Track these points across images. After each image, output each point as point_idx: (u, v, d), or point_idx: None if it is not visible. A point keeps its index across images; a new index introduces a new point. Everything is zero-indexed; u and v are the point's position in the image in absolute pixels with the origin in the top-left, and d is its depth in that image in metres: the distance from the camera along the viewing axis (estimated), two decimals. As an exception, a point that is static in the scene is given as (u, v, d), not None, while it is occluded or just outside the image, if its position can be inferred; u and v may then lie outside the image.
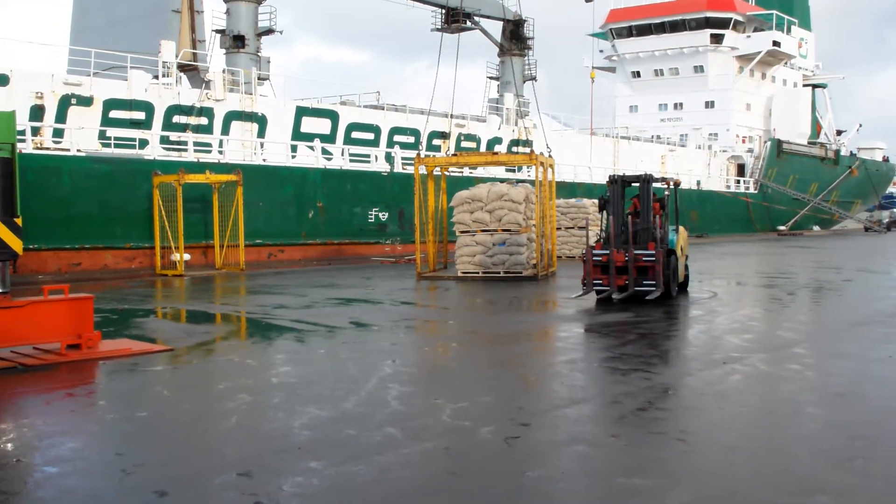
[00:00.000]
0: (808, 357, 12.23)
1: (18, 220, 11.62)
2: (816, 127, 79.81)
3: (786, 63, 74.74)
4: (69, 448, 7.57)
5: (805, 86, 78.34)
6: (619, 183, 19.23)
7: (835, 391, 10.00)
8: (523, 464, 7.15)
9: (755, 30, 70.78)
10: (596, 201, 37.28)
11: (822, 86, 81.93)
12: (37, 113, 30.39)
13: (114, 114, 32.48)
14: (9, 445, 7.75)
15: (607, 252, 18.47)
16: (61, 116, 30.94)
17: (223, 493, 6.38)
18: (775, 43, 69.69)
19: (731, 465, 7.07)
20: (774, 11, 70.27)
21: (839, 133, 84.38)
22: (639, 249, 18.36)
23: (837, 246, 47.82)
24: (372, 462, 7.09)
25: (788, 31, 72.33)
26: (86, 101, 31.65)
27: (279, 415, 8.84)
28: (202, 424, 8.53)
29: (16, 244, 11.55)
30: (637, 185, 19.55)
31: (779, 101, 73.68)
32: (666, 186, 20.17)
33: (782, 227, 68.25)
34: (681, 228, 20.50)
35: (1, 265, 11.74)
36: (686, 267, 21.02)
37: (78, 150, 28.58)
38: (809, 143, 75.47)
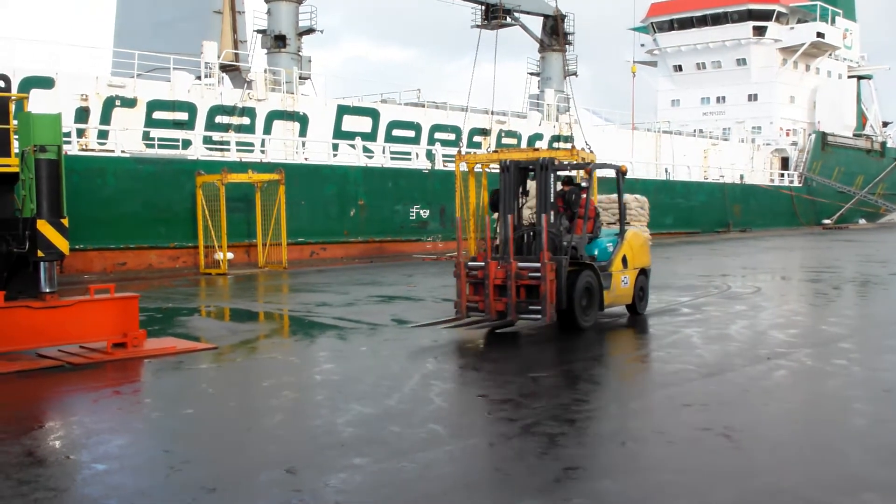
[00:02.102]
0: (854, 352, 12.09)
1: (65, 221, 11.78)
2: (862, 119, 78.69)
3: (830, 54, 73.75)
4: (117, 445, 7.67)
5: (850, 77, 77.27)
6: (513, 170, 14.41)
7: (882, 387, 9.86)
8: (567, 460, 7.14)
9: (798, 21, 69.93)
10: (638, 197, 37.12)
11: (868, 77, 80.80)
12: (82, 115, 30.78)
13: (157, 115, 32.81)
14: (57, 443, 7.87)
15: (483, 265, 13.67)
16: (106, 118, 31.31)
17: (269, 490, 6.43)
18: (819, 34, 68.82)
19: (777, 462, 7.01)
20: (818, 2, 69.40)
21: (885, 125, 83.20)
22: (528, 261, 13.54)
23: (884, 239, 47.17)
24: (415, 459, 7.11)
25: (833, 22, 71.41)
26: (130, 103, 32.00)
27: (323, 412, 8.89)
28: (247, 422, 8.60)
29: (62, 244, 11.71)
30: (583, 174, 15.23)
31: (823, 93, 72.76)
32: (585, 176, 15.21)
33: (827, 221, 67.40)
34: (633, 232, 16.08)
35: (48, 265, 11.91)
36: (641, 286, 15.90)
37: (122, 152, 28.90)
38: (855, 135, 74.44)
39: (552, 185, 13.99)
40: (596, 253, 14.75)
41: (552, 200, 13.98)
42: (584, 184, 15.11)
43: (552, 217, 13.82)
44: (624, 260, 15.14)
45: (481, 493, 6.39)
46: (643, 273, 15.97)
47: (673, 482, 6.53)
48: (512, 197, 14.31)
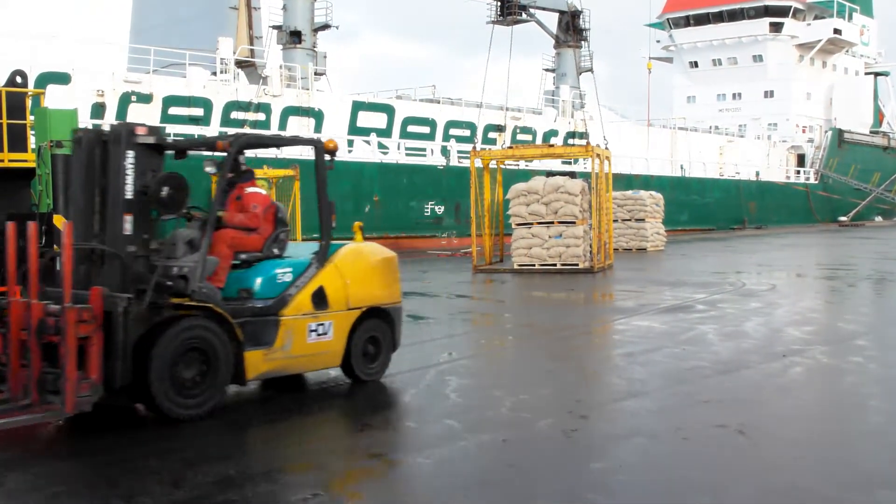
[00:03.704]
0: (870, 349, 12.03)
1: (82, 216, 11.82)
2: (879, 116, 78.38)
3: (847, 51, 73.39)
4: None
5: (867, 74, 76.92)
6: (86, 145, 8.37)
7: (899, 384, 9.85)
8: (582, 456, 7.13)
9: (815, 18, 69.61)
10: (654, 193, 36.99)
11: (885, 74, 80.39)
12: (98, 110, 30.88)
13: (173, 110, 32.91)
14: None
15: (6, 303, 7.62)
16: (122, 113, 31.42)
17: (288, 488, 6.44)
18: (836, 31, 68.50)
19: (793, 459, 6.99)
20: (835, -2, 69.22)
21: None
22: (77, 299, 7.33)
23: (901, 237, 46.94)
24: (431, 454, 7.11)
25: (850, 18, 71.05)
26: (145, 99, 32.11)
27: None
28: (270, 417, 8.62)
29: (79, 239, 11.74)
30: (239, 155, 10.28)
31: (840, 89, 72.38)
32: (223, 151, 9.87)
33: (843, 218, 67.03)
34: (352, 249, 10.11)
35: (65, 260, 11.94)
36: (372, 335, 9.67)
37: (138, 147, 28.97)
38: (872, 132, 74.14)
39: (127, 170, 8.10)
40: (255, 285, 9.00)
41: (129, 196, 8.12)
42: (213, 169, 10.34)
43: (128, 225, 8.12)
44: (320, 296, 9.18)
45: (496, 489, 6.37)
46: (378, 315, 9.80)
47: (688, 478, 6.52)
48: (82, 188, 8.44)
